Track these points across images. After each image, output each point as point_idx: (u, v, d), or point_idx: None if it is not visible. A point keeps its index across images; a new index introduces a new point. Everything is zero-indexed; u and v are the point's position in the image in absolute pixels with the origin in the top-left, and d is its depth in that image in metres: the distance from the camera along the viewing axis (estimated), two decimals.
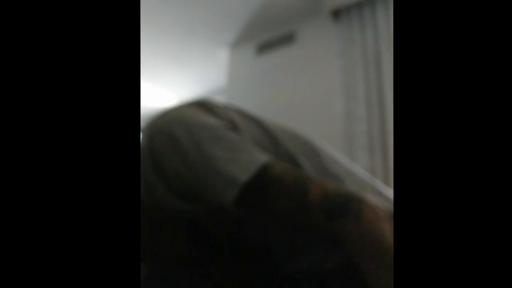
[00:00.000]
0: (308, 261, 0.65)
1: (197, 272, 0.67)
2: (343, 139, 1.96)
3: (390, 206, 0.61)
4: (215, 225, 0.64)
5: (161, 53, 2.91)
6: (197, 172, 0.53)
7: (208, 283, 0.66)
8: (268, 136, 0.63)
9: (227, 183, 0.51)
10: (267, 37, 2.69)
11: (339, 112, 2.05)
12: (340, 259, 0.60)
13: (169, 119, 0.57)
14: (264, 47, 2.67)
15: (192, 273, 0.67)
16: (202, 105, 0.62)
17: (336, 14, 2.29)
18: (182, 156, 0.54)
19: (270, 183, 0.52)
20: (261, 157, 0.54)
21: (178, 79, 3.25)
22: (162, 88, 3.41)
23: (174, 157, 0.55)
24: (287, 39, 2.56)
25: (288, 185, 0.52)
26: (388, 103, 1.88)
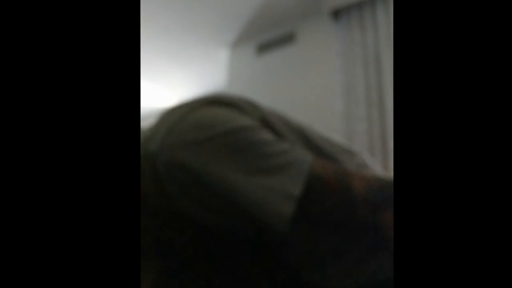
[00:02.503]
0: (346, 267, 0.55)
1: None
2: (343, 139, 1.96)
3: None
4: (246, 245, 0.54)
5: (161, 53, 2.91)
6: (231, 188, 0.43)
7: None
8: (294, 130, 0.56)
9: (280, 199, 0.42)
10: (267, 37, 2.69)
11: (339, 112, 2.06)
12: (382, 259, 0.53)
13: (189, 124, 0.46)
14: (264, 47, 2.67)
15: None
16: (225, 103, 0.50)
17: (336, 14, 2.29)
18: (209, 167, 0.43)
19: (313, 184, 0.45)
20: (306, 156, 0.46)
21: (178, 78, 3.25)
22: (162, 88, 3.41)
23: (200, 166, 0.44)
24: (287, 39, 2.56)
25: (331, 183, 0.45)
26: (388, 103, 1.88)
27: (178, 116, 0.47)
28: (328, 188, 0.45)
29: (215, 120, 0.45)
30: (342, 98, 2.07)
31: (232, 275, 0.59)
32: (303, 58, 2.43)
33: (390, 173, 1.63)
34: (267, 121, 0.52)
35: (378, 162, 1.82)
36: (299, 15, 2.50)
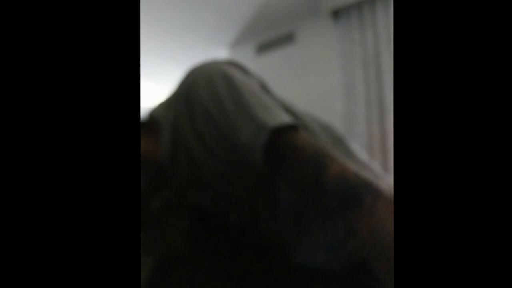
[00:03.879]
0: (320, 253, 0.63)
1: (203, 265, 0.67)
2: None
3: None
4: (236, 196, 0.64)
5: (161, 53, 2.91)
6: (229, 116, 0.54)
7: (214, 278, 0.66)
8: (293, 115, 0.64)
9: (260, 127, 0.51)
10: (267, 37, 2.69)
11: (339, 112, 2.06)
12: (353, 251, 0.58)
13: (210, 69, 0.60)
14: (264, 47, 2.67)
15: (199, 266, 0.67)
16: (238, 66, 0.64)
17: (336, 14, 2.29)
18: (218, 102, 0.55)
19: (291, 150, 0.51)
20: (289, 120, 0.53)
21: (179, 78, 3.25)
22: (162, 87, 3.41)
23: (210, 101, 0.56)
24: (287, 39, 2.56)
25: (307, 156, 0.50)
26: (388, 103, 1.88)
27: (201, 64, 0.63)
28: (302, 158, 0.50)
29: (230, 76, 0.58)
30: (341, 98, 2.07)
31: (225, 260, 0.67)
32: (303, 58, 2.43)
33: (389, 174, 1.62)
34: (266, 87, 0.64)
35: (378, 162, 1.82)
36: (299, 15, 2.50)
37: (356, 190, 0.47)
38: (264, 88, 0.64)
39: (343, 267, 0.62)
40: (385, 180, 0.65)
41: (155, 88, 3.41)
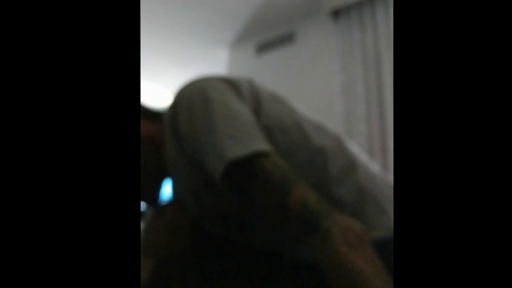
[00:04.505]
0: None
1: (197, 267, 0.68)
2: None
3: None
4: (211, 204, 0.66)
5: (161, 53, 2.91)
6: (200, 140, 0.57)
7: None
8: (297, 127, 0.65)
9: (219, 157, 0.53)
10: (267, 37, 2.69)
11: (339, 111, 2.05)
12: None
13: (194, 89, 0.62)
14: (264, 47, 2.67)
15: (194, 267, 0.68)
16: (232, 83, 0.65)
17: (336, 14, 2.29)
18: (191, 125, 0.58)
19: (258, 174, 0.53)
20: (261, 145, 0.54)
21: (178, 78, 3.25)
22: (162, 88, 3.41)
23: (186, 124, 0.59)
24: (287, 39, 2.56)
25: (274, 182, 0.52)
26: (388, 103, 1.88)
27: (192, 81, 0.65)
28: (268, 183, 0.52)
29: (207, 99, 0.59)
30: (341, 98, 2.06)
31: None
32: (303, 58, 2.43)
33: (389, 174, 1.62)
34: (260, 109, 0.64)
35: (378, 162, 1.82)
36: (299, 15, 2.50)
37: (316, 215, 0.49)
38: (257, 108, 0.64)
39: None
40: (385, 183, 0.65)
41: (155, 88, 3.40)
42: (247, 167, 0.53)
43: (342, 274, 0.46)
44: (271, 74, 2.54)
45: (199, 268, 0.66)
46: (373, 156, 1.84)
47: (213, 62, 3.02)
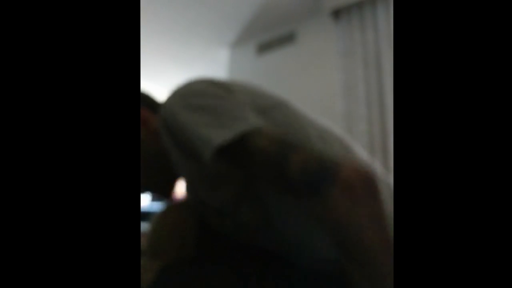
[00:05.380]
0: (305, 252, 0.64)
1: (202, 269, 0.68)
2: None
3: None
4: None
5: (161, 53, 2.91)
6: (189, 132, 0.57)
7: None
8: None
9: (206, 145, 0.53)
10: (267, 37, 2.69)
11: (339, 111, 2.05)
12: (333, 251, 0.54)
13: (190, 86, 0.62)
14: (265, 47, 2.67)
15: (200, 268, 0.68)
16: (214, 81, 0.65)
17: (337, 14, 2.29)
18: (183, 117, 0.58)
19: (253, 153, 0.52)
20: (249, 125, 0.54)
21: (179, 78, 3.25)
22: (162, 87, 3.41)
23: (179, 117, 0.59)
24: (287, 39, 2.56)
25: (271, 156, 0.51)
26: (388, 103, 1.88)
27: (184, 85, 0.65)
28: (264, 158, 0.51)
29: (202, 91, 0.61)
30: (342, 98, 2.06)
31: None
32: (303, 58, 2.43)
33: (389, 174, 1.62)
34: (235, 93, 0.64)
35: (378, 162, 1.82)
36: (299, 15, 2.50)
37: (317, 176, 0.47)
38: (233, 93, 0.64)
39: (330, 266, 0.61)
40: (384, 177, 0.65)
41: (155, 88, 3.41)
42: (239, 150, 0.53)
43: (342, 240, 0.44)
44: (271, 74, 2.54)
45: (205, 274, 0.66)
46: (373, 156, 1.84)
47: (213, 62, 3.02)
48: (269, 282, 0.64)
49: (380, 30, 2.04)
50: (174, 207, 0.74)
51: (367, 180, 0.47)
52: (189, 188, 0.70)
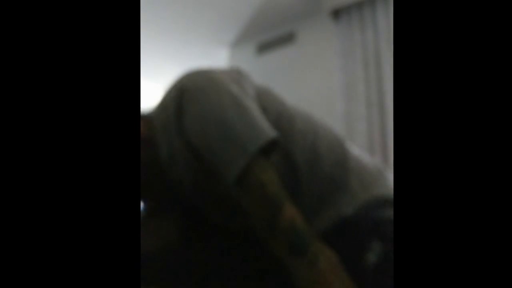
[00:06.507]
0: None
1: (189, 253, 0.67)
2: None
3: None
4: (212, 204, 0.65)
5: (161, 53, 2.91)
6: (212, 134, 0.55)
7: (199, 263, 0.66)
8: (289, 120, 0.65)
9: (239, 151, 0.52)
10: (267, 37, 2.68)
11: (339, 111, 2.05)
12: None
13: (200, 79, 0.60)
14: (264, 47, 2.67)
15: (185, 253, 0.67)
16: (237, 73, 0.65)
17: (336, 14, 2.28)
18: (203, 119, 0.56)
19: (253, 187, 0.52)
20: (270, 131, 0.54)
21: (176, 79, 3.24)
22: (162, 87, 3.41)
23: (197, 118, 0.57)
24: (287, 39, 2.56)
25: (269, 195, 0.52)
26: (388, 103, 1.88)
27: (193, 71, 0.63)
28: (261, 197, 0.52)
29: (217, 80, 0.59)
30: (342, 98, 2.06)
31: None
32: (303, 58, 2.43)
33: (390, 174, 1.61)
34: (254, 95, 0.64)
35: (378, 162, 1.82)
36: (299, 15, 2.50)
37: (304, 239, 0.50)
38: (264, 95, 0.64)
39: None
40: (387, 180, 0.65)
41: (155, 88, 3.40)
42: (253, 171, 0.52)
43: None
44: (271, 74, 2.54)
45: (187, 260, 0.66)
46: (373, 156, 1.84)
47: (213, 62, 3.02)
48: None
49: (380, 30, 2.04)
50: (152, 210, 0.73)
51: (338, 263, 0.50)
52: (180, 185, 0.68)
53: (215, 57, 2.97)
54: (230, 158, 0.53)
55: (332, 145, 0.65)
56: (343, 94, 2.07)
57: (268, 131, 0.55)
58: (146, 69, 3.11)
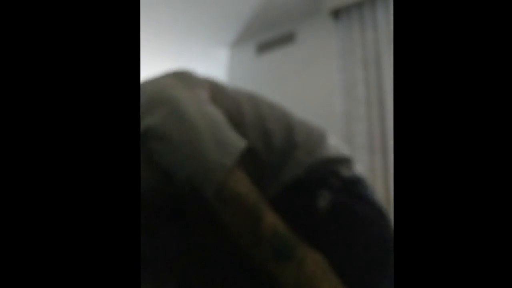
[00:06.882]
0: None
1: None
2: (343, 138, 1.96)
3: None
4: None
5: (161, 53, 2.91)
6: (180, 153, 0.53)
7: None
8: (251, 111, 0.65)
9: (214, 167, 0.52)
10: (267, 37, 2.69)
11: (339, 111, 2.06)
12: None
13: (154, 97, 0.57)
14: (264, 47, 2.67)
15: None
16: (181, 77, 0.63)
17: (336, 13, 2.29)
18: (164, 134, 0.54)
19: (231, 200, 0.52)
20: (240, 141, 0.55)
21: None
22: None
23: (159, 131, 0.54)
24: (287, 39, 2.56)
25: (247, 206, 0.52)
26: (388, 103, 1.88)
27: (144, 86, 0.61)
28: (241, 207, 0.52)
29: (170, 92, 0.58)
30: (342, 98, 2.06)
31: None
32: (303, 57, 2.43)
33: (389, 173, 1.60)
34: (214, 97, 0.63)
35: (378, 162, 1.82)
36: (299, 15, 2.50)
37: (288, 244, 0.50)
38: (213, 97, 0.63)
39: None
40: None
41: None
42: (227, 183, 0.52)
43: None
44: (271, 74, 2.54)
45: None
46: (373, 156, 1.84)
47: (213, 62, 3.02)
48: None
49: (380, 30, 2.04)
50: None
51: (325, 265, 0.51)
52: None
53: (215, 57, 2.97)
54: (204, 176, 0.52)
55: (279, 121, 0.65)
56: (343, 94, 2.07)
57: (238, 142, 0.55)
58: (146, 69, 3.11)
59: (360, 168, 0.67)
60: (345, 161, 0.64)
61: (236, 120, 0.62)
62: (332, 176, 0.60)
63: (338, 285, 0.49)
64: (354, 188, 0.61)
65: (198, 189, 0.53)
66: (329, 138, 0.68)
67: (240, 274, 0.59)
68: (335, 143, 0.67)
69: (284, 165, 0.61)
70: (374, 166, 1.82)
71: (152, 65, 3.05)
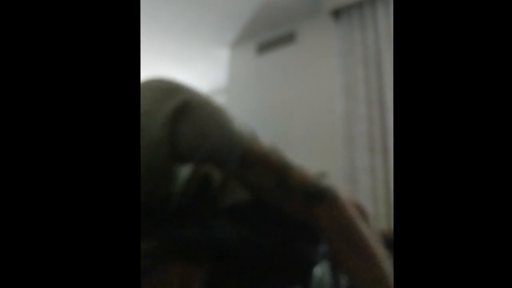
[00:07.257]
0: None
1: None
2: (343, 138, 1.95)
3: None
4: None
5: (161, 53, 2.91)
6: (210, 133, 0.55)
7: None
8: None
9: (239, 134, 0.55)
10: (267, 37, 2.69)
11: (339, 111, 2.05)
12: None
13: (168, 86, 0.60)
14: (265, 47, 2.67)
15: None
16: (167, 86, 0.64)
17: (337, 13, 2.29)
18: (198, 123, 0.56)
19: (257, 161, 0.55)
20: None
21: (179, 78, 3.24)
22: None
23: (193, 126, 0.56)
24: (287, 39, 2.56)
25: (272, 165, 0.55)
26: (389, 103, 1.88)
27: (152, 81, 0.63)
28: (267, 167, 0.54)
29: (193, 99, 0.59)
30: (342, 98, 2.06)
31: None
32: (303, 58, 2.43)
33: (390, 173, 1.60)
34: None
35: (378, 162, 1.81)
36: (299, 15, 2.50)
37: (319, 188, 0.54)
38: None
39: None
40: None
41: None
42: (248, 149, 0.55)
43: (350, 237, 0.50)
44: (271, 74, 2.54)
45: None
46: (373, 156, 1.84)
47: (213, 62, 3.02)
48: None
49: (380, 30, 2.04)
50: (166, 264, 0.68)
51: (363, 208, 0.56)
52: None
53: (215, 57, 2.97)
54: (229, 147, 0.55)
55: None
56: (343, 94, 2.07)
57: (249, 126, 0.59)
58: (146, 69, 3.11)
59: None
60: None
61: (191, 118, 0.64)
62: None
63: (368, 217, 0.53)
64: None
65: (223, 160, 0.55)
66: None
67: (274, 229, 0.61)
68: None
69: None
70: (374, 166, 1.81)
71: (152, 65, 3.05)
